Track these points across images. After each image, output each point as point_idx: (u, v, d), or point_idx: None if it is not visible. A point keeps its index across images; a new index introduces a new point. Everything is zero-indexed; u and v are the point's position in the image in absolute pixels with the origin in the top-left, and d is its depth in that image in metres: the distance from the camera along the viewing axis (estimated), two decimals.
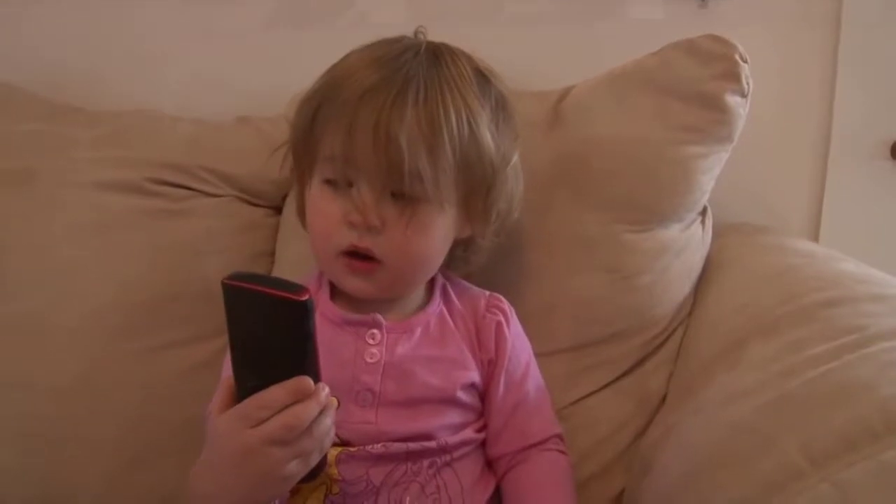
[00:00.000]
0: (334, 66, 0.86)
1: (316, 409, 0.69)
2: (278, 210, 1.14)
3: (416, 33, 0.90)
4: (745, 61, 1.00)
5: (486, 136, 0.83)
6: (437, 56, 0.85)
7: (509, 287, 0.97)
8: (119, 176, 1.07)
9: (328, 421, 0.71)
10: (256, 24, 1.32)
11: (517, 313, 0.94)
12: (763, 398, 0.79)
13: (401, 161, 0.77)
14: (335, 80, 0.83)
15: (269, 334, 0.67)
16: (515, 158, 0.88)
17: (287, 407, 0.68)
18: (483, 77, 0.87)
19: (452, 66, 0.84)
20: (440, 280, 0.93)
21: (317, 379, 0.69)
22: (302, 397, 0.68)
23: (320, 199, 0.84)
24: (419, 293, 0.91)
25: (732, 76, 0.99)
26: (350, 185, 0.81)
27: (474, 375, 0.87)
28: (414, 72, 0.82)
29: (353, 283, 0.84)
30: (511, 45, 1.10)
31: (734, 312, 0.97)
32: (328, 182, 0.83)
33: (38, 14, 1.35)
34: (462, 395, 0.86)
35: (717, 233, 1.11)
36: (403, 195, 0.80)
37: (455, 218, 0.85)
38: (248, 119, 1.19)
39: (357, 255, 0.82)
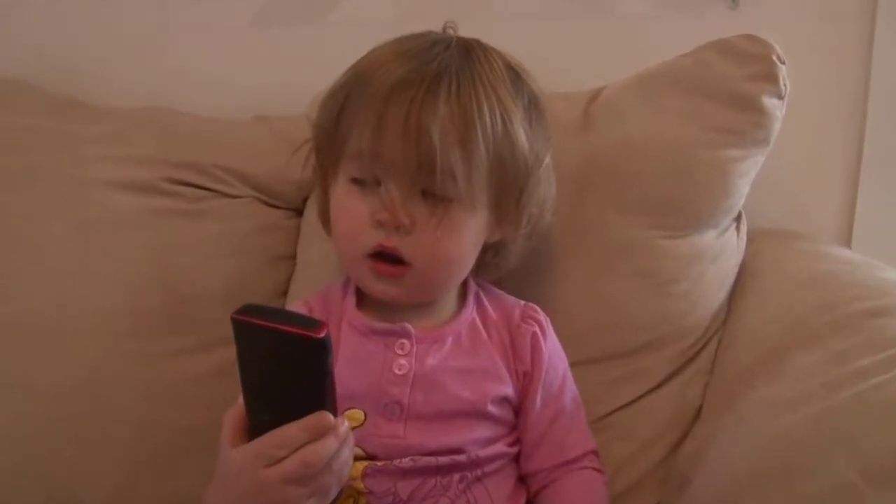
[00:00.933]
0: (359, 61, 0.82)
1: (335, 445, 0.65)
2: (299, 212, 1.11)
3: (444, 28, 0.86)
4: (783, 62, 0.97)
5: (521, 134, 0.80)
6: (469, 51, 0.82)
7: (540, 294, 0.94)
8: (129, 174, 1.04)
9: (346, 452, 0.68)
10: (270, 19, 1.29)
11: (553, 320, 0.90)
12: (808, 410, 0.76)
13: (433, 157, 0.74)
14: (362, 74, 0.79)
15: (284, 371, 0.63)
16: (548, 159, 0.85)
17: (305, 444, 0.64)
18: (516, 74, 0.83)
19: (485, 62, 0.81)
20: (473, 287, 0.89)
21: (334, 413, 0.65)
22: (320, 435, 0.65)
23: (346, 198, 0.80)
24: (450, 300, 0.87)
25: (770, 77, 0.96)
26: (378, 183, 0.78)
27: (507, 389, 0.83)
28: (445, 64, 0.78)
29: (380, 288, 0.81)
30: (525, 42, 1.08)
31: (772, 320, 0.93)
32: (355, 181, 0.79)
33: (46, 9, 1.33)
34: (493, 409, 0.82)
35: (750, 238, 1.07)
36: (434, 195, 0.77)
37: (486, 220, 0.82)
38: (266, 118, 1.16)
39: (384, 259, 0.79)
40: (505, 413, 0.84)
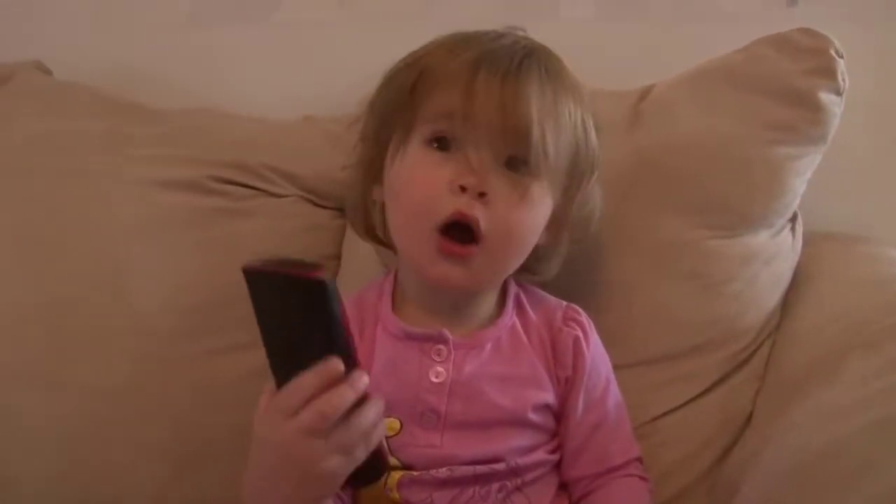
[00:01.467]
0: (420, 50, 0.80)
1: (350, 395, 0.62)
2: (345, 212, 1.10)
3: (509, 29, 0.83)
4: (841, 56, 0.93)
5: (593, 132, 0.80)
6: (544, 47, 0.81)
7: (585, 294, 0.92)
8: (178, 174, 1.05)
9: (371, 414, 0.64)
10: (325, 21, 1.31)
11: (597, 322, 0.88)
12: (865, 418, 0.72)
13: (529, 126, 0.72)
14: (436, 51, 0.77)
15: (293, 318, 0.62)
16: (598, 171, 0.83)
17: (320, 394, 0.62)
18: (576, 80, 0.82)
19: (558, 61, 0.80)
20: (513, 289, 0.86)
21: (351, 365, 0.63)
22: (332, 381, 0.61)
23: (423, 162, 0.75)
24: (488, 304, 0.84)
25: (827, 72, 0.93)
26: (459, 147, 0.74)
27: (548, 396, 0.81)
28: (530, 49, 0.77)
29: (441, 270, 0.76)
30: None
31: (828, 323, 0.90)
32: (435, 144, 0.75)
33: (106, 15, 1.36)
34: (534, 417, 0.80)
35: (807, 241, 1.03)
36: (517, 169, 0.74)
37: (550, 211, 0.79)
38: (314, 118, 1.16)
39: (454, 236, 0.74)
40: (546, 420, 0.82)
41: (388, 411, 0.75)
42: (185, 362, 0.98)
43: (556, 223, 0.81)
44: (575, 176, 0.79)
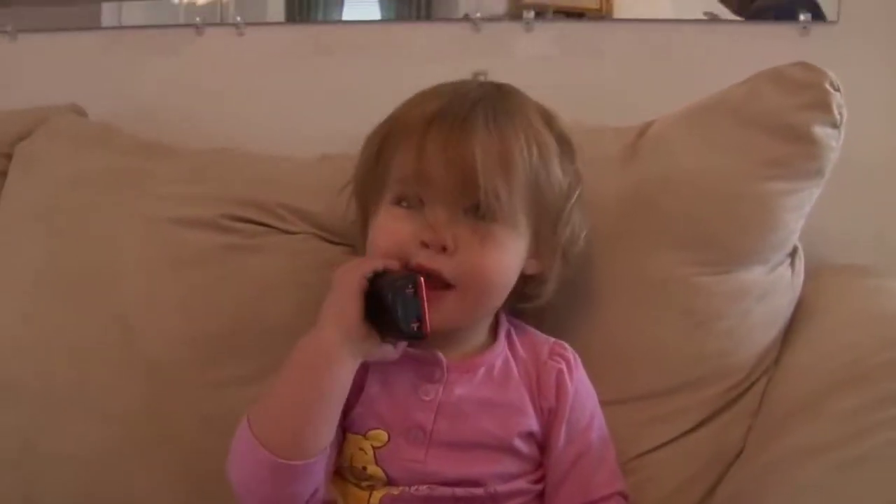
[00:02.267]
0: (397, 107, 0.86)
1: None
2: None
3: (474, 75, 0.89)
4: (837, 89, 0.93)
5: (554, 162, 0.83)
6: (500, 87, 0.85)
7: (575, 330, 0.94)
8: (194, 212, 1.10)
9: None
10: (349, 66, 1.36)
11: (583, 358, 0.90)
12: (839, 457, 0.72)
13: (475, 177, 0.76)
14: (400, 113, 0.84)
15: None
16: (579, 191, 0.86)
17: None
18: (547, 113, 0.86)
19: (516, 97, 0.85)
20: (505, 324, 0.90)
21: None
22: None
23: (389, 219, 0.82)
24: (481, 332, 0.88)
25: (822, 105, 0.92)
26: (421, 205, 0.79)
27: (533, 423, 0.83)
28: (480, 96, 0.82)
29: None
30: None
31: (823, 359, 0.88)
32: (398, 203, 0.81)
33: (138, 59, 1.43)
34: (519, 444, 0.83)
35: (813, 275, 1.02)
36: (476, 215, 0.78)
37: (526, 246, 0.83)
38: (331, 156, 1.19)
39: (428, 284, 0.78)
40: (531, 449, 0.84)
41: (379, 423, 0.81)
42: (196, 392, 1.03)
43: (543, 252, 0.84)
44: (543, 206, 0.82)
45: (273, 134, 1.31)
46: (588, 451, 0.85)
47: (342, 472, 0.84)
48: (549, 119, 0.85)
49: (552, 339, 0.90)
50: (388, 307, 0.75)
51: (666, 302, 0.94)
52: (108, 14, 1.52)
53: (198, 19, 1.43)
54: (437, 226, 0.77)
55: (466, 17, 1.32)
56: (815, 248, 1.06)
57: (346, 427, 0.83)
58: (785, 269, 0.98)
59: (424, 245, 0.78)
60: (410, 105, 0.83)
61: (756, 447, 0.88)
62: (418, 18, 1.38)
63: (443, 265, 0.78)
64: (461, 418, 0.82)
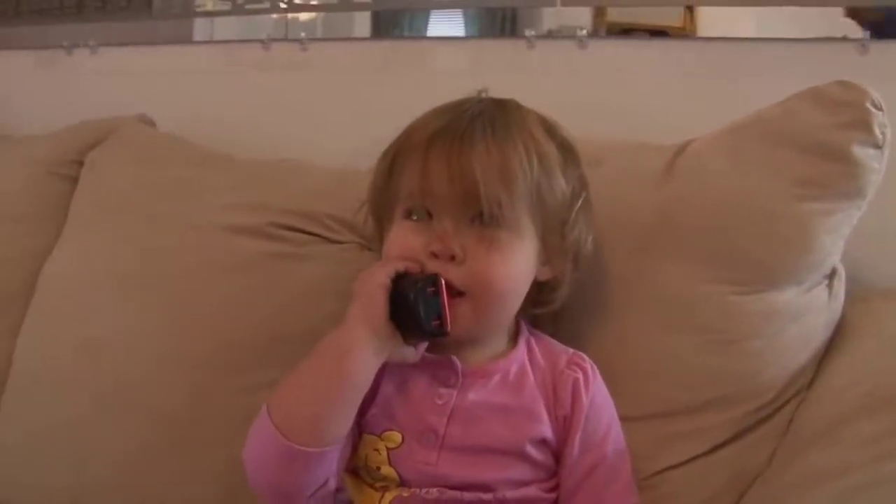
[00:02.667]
0: (407, 126, 0.89)
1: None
2: None
3: (479, 93, 0.92)
4: (879, 108, 0.91)
5: (556, 168, 0.85)
6: (500, 102, 0.88)
7: (600, 345, 0.94)
8: (245, 220, 1.15)
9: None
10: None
11: (606, 372, 0.90)
12: (852, 481, 0.71)
13: (475, 187, 0.79)
14: (405, 134, 0.87)
15: None
16: (584, 197, 0.88)
17: None
18: (548, 123, 0.89)
19: (517, 110, 0.88)
20: (525, 332, 0.91)
21: None
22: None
23: (401, 231, 0.85)
24: (501, 338, 0.90)
25: (862, 125, 0.90)
26: (430, 216, 0.83)
27: (546, 430, 0.85)
28: (479, 111, 0.85)
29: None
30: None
31: (852, 384, 0.87)
32: (408, 216, 0.85)
33: (208, 73, 1.49)
34: (532, 450, 0.84)
35: (860, 297, 1.00)
36: (482, 223, 0.81)
37: (535, 252, 0.85)
38: None
39: None
40: (543, 456, 0.85)
41: (393, 425, 0.84)
42: (236, 395, 1.06)
43: (553, 258, 0.87)
44: (548, 213, 0.84)
45: (336, 146, 1.34)
46: (602, 462, 0.85)
47: (358, 471, 0.86)
48: (550, 129, 0.88)
49: (571, 350, 0.91)
50: (411, 306, 0.78)
51: (693, 320, 0.93)
52: (199, 29, 1.59)
53: (264, 35, 1.48)
54: (445, 236, 0.81)
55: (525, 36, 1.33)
56: (871, 272, 1.05)
57: (362, 427, 0.86)
58: (821, 291, 0.96)
59: (434, 255, 0.81)
60: (416, 124, 0.87)
61: (777, 468, 0.87)
62: (502, 34, 1.39)
63: (453, 273, 0.81)
64: (474, 423, 0.84)
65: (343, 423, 0.80)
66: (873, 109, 0.90)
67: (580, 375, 0.87)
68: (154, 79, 1.57)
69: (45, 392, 1.16)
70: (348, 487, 0.87)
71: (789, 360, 0.93)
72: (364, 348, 0.79)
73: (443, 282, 0.80)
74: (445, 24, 1.45)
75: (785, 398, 0.92)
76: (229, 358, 1.08)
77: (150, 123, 1.42)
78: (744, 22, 1.26)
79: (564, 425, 0.86)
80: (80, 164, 1.35)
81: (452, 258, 0.80)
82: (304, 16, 1.50)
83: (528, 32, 1.33)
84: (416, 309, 0.78)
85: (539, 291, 0.89)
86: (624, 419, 0.90)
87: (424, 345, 0.84)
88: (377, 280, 0.80)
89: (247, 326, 1.09)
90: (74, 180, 1.34)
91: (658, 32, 1.31)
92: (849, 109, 0.91)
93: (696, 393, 0.93)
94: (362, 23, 1.48)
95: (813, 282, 0.95)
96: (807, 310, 0.94)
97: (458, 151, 0.81)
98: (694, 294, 0.93)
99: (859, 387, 0.85)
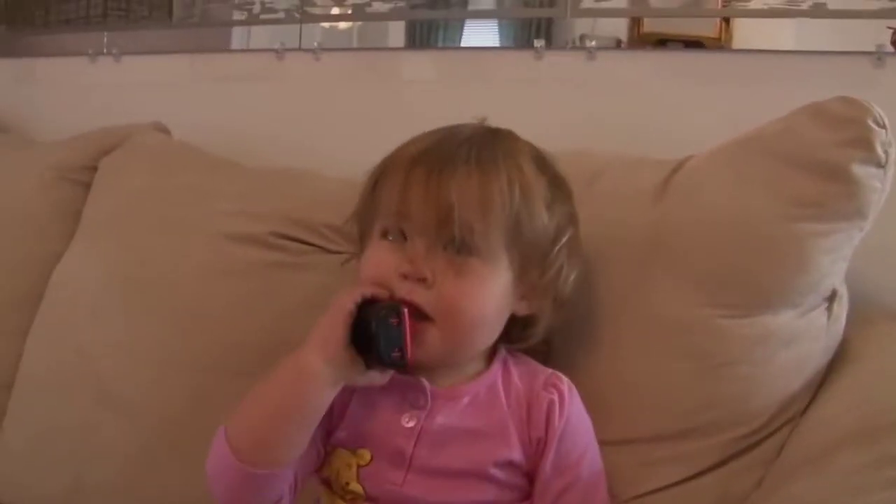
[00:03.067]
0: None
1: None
2: None
3: (479, 121, 0.91)
4: (882, 126, 0.87)
5: (539, 204, 0.83)
6: (495, 131, 0.87)
7: (584, 365, 0.92)
8: (246, 228, 1.16)
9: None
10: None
11: (591, 394, 0.88)
12: None
13: (450, 211, 0.78)
14: (394, 151, 0.86)
15: None
16: (570, 234, 0.86)
17: None
18: (541, 156, 0.87)
19: (509, 140, 0.86)
20: (502, 353, 0.90)
21: None
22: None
23: (375, 251, 0.85)
24: (475, 362, 0.88)
25: (862, 143, 0.87)
26: (405, 238, 0.82)
27: (513, 453, 0.83)
28: (469, 136, 0.84)
29: None
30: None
31: (845, 412, 0.83)
32: (384, 236, 0.84)
33: (224, 82, 1.51)
34: (497, 472, 0.82)
35: (865, 320, 0.97)
36: (456, 250, 0.80)
37: (510, 284, 0.83)
38: None
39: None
40: (512, 478, 0.84)
41: (363, 443, 0.84)
42: (233, 399, 1.05)
43: (532, 294, 0.85)
44: (527, 247, 0.82)
45: (347, 156, 1.35)
46: (576, 483, 0.83)
47: (330, 482, 0.86)
48: (541, 162, 0.86)
49: (549, 371, 0.89)
50: (372, 335, 0.78)
51: (681, 343, 0.91)
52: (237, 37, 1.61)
53: (278, 45, 1.49)
54: (416, 258, 0.80)
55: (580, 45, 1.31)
56: (878, 294, 1.02)
57: (336, 443, 0.85)
58: (819, 314, 0.92)
59: (405, 277, 0.80)
60: (406, 143, 0.86)
61: (760, 497, 0.84)
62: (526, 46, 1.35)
63: (422, 298, 0.79)
64: (441, 446, 0.83)
65: (295, 447, 0.80)
66: (875, 127, 0.87)
67: (555, 397, 0.85)
68: (174, 87, 1.59)
69: (49, 395, 1.19)
70: (322, 498, 0.87)
71: (781, 386, 0.90)
72: (318, 377, 0.78)
73: (406, 312, 0.78)
74: (481, 35, 1.45)
75: (775, 425, 0.89)
76: (230, 363, 1.09)
77: (165, 131, 1.43)
78: (781, 34, 1.24)
79: (537, 447, 0.84)
80: (94, 169, 1.37)
81: (422, 281, 0.79)
82: (327, 25, 1.51)
83: (536, 44, 1.31)
84: (377, 338, 0.77)
85: (515, 327, 0.87)
86: (609, 443, 0.88)
87: (391, 370, 0.83)
88: (340, 305, 0.79)
89: (247, 332, 1.10)
90: (88, 186, 1.36)
91: (693, 44, 1.29)
92: (850, 126, 0.88)
93: (683, 418, 0.90)
94: (396, 33, 1.49)
95: (810, 305, 0.91)
96: (803, 334, 0.91)
97: (439, 174, 0.80)
98: (685, 316, 0.91)
99: (851, 414, 0.82)
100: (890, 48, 1.14)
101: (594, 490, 0.85)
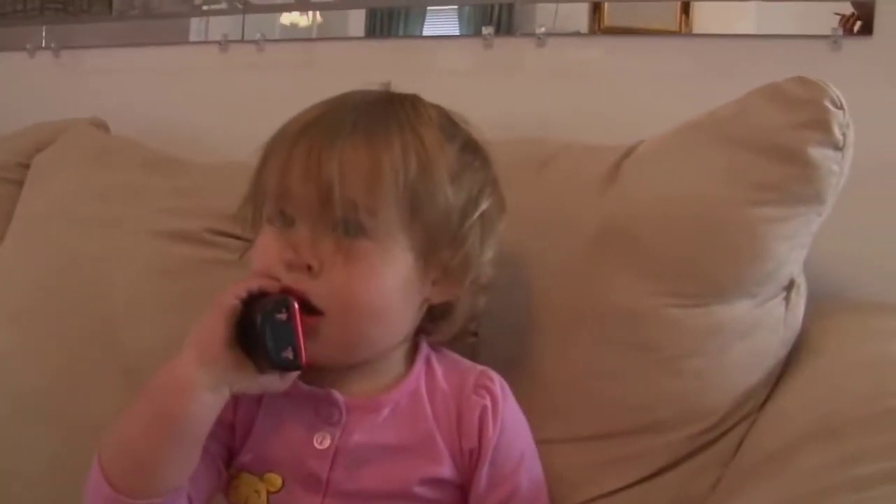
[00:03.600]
0: None
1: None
2: None
3: (382, 86, 0.82)
4: (839, 107, 0.83)
5: (442, 175, 0.74)
6: (392, 96, 0.78)
7: (527, 362, 0.88)
8: (182, 225, 1.10)
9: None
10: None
11: (534, 391, 0.83)
12: None
13: (331, 188, 0.69)
14: (284, 125, 0.77)
15: None
16: (484, 207, 0.77)
17: None
18: (451, 122, 0.78)
19: (409, 106, 0.77)
20: (424, 350, 0.82)
21: None
22: None
23: (261, 238, 0.76)
24: (394, 363, 0.80)
25: (819, 125, 0.82)
26: (292, 222, 0.74)
27: (443, 470, 0.76)
28: (358, 104, 0.76)
29: None
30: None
31: (805, 408, 0.78)
32: (270, 221, 0.76)
33: (168, 76, 1.46)
34: (423, 491, 0.75)
35: (824, 311, 0.93)
36: (346, 233, 0.71)
37: (413, 268, 0.74)
38: None
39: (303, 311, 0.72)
40: (441, 495, 0.77)
41: (272, 466, 0.75)
42: None
43: (443, 278, 0.77)
44: (429, 225, 0.74)
45: None
46: (515, 494, 0.77)
47: None
48: (449, 129, 0.77)
49: (479, 369, 0.81)
50: (258, 333, 0.69)
51: (629, 335, 0.85)
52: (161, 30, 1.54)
53: (220, 36, 1.44)
54: (299, 244, 0.71)
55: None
56: (837, 284, 0.99)
57: (240, 466, 0.78)
58: (777, 305, 0.87)
59: (290, 266, 0.72)
60: (294, 117, 0.77)
61: (719, 499, 0.79)
62: (497, 34, 1.31)
63: (310, 288, 0.71)
64: (360, 466, 0.75)
65: (179, 470, 0.70)
66: (832, 108, 0.83)
67: (488, 402, 0.78)
68: (116, 81, 1.53)
69: None
70: None
71: (736, 380, 0.85)
72: (194, 384, 0.69)
73: (296, 306, 0.70)
74: (442, 26, 1.41)
75: (731, 422, 0.84)
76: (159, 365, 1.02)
77: (102, 126, 1.38)
78: (740, 25, 1.20)
79: (470, 459, 0.77)
80: (27, 167, 1.31)
81: (308, 269, 0.71)
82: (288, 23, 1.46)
83: (484, 31, 1.27)
84: (263, 336, 0.68)
85: (432, 317, 0.80)
86: (553, 441, 0.83)
87: (293, 374, 0.75)
88: (221, 302, 0.70)
89: (183, 332, 1.02)
90: (21, 184, 1.30)
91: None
92: (806, 108, 0.83)
93: (632, 415, 0.85)
94: (357, 24, 1.43)
95: (767, 294, 0.87)
96: (759, 325, 0.86)
97: (321, 147, 0.70)
98: (634, 306, 0.85)
99: (811, 410, 0.77)
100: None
101: (535, 499, 0.79)
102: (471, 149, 0.78)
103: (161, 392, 0.70)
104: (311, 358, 0.71)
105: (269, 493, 0.76)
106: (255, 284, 0.72)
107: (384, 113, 0.75)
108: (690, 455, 0.84)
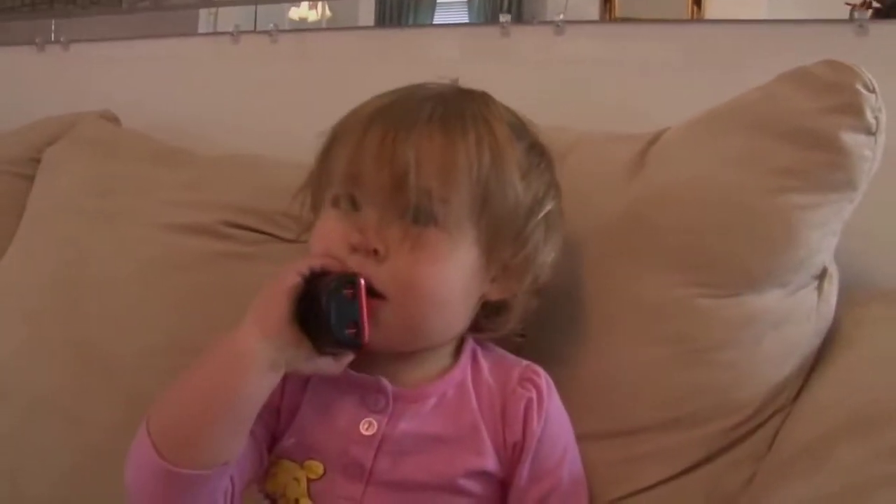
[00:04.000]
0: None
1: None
2: None
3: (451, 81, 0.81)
4: (872, 91, 0.81)
5: (513, 171, 0.73)
6: (466, 91, 0.78)
7: (559, 356, 0.85)
8: (195, 218, 1.09)
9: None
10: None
11: (567, 387, 0.81)
12: None
13: (406, 176, 0.69)
14: (353, 110, 0.77)
15: None
16: (550, 208, 0.77)
17: None
18: (520, 122, 0.78)
19: (482, 102, 0.76)
20: (470, 344, 0.81)
21: None
22: None
23: (324, 221, 0.76)
24: (442, 356, 0.79)
25: (851, 109, 0.80)
26: (358, 206, 0.73)
27: (487, 462, 0.75)
28: (434, 94, 0.75)
29: None
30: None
31: (840, 400, 0.76)
32: (335, 205, 0.75)
33: (180, 68, 1.44)
34: (467, 484, 0.74)
35: (857, 301, 0.90)
36: (414, 221, 0.71)
37: (477, 262, 0.74)
38: None
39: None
40: (484, 488, 0.76)
41: (314, 453, 0.74)
42: None
43: (504, 275, 0.76)
44: (497, 220, 0.73)
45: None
46: (556, 489, 0.76)
47: (276, 500, 0.77)
48: (519, 128, 0.77)
49: (524, 363, 0.80)
50: (322, 310, 0.68)
51: (660, 327, 0.83)
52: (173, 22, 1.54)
53: (232, 27, 1.42)
54: (366, 228, 0.70)
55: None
56: (871, 273, 0.96)
57: (281, 453, 0.77)
58: (809, 294, 0.85)
59: (354, 249, 0.71)
60: (364, 103, 0.76)
61: (755, 495, 0.77)
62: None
63: (373, 272, 0.70)
64: (404, 456, 0.74)
65: (230, 443, 0.69)
66: (865, 91, 0.81)
67: (533, 395, 0.77)
68: (129, 73, 1.52)
69: None
70: None
71: (770, 371, 0.83)
72: (256, 358, 0.68)
73: (363, 283, 0.69)
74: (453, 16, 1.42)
75: (765, 415, 0.82)
76: (171, 363, 0.98)
77: (113, 119, 1.36)
78: (752, 11, 1.19)
79: (514, 452, 0.76)
80: (38, 161, 1.30)
81: (374, 254, 0.70)
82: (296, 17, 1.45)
83: (502, 18, 1.25)
84: (327, 311, 0.68)
85: (485, 314, 0.79)
86: (586, 437, 0.81)
87: (349, 357, 0.74)
88: (283, 278, 0.70)
89: (196, 329, 1.01)
90: (32, 178, 1.29)
91: None
92: (837, 92, 0.81)
93: (664, 409, 0.83)
94: (367, 14, 1.42)
95: (799, 283, 0.85)
96: (791, 315, 0.84)
97: (396, 134, 0.70)
98: (663, 298, 0.83)
99: (844, 404, 0.75)
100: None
101: (575, 496, 0.78)
102: (537, 150, 0.78)
103: (220, 364, 0.70)
104: (369, 341, 0.71)
105: (309, 480, 0.75)
106: (317, 263, 0.71)
107: (458, 105, 0.74)
108: (725, 449, 0.82)
